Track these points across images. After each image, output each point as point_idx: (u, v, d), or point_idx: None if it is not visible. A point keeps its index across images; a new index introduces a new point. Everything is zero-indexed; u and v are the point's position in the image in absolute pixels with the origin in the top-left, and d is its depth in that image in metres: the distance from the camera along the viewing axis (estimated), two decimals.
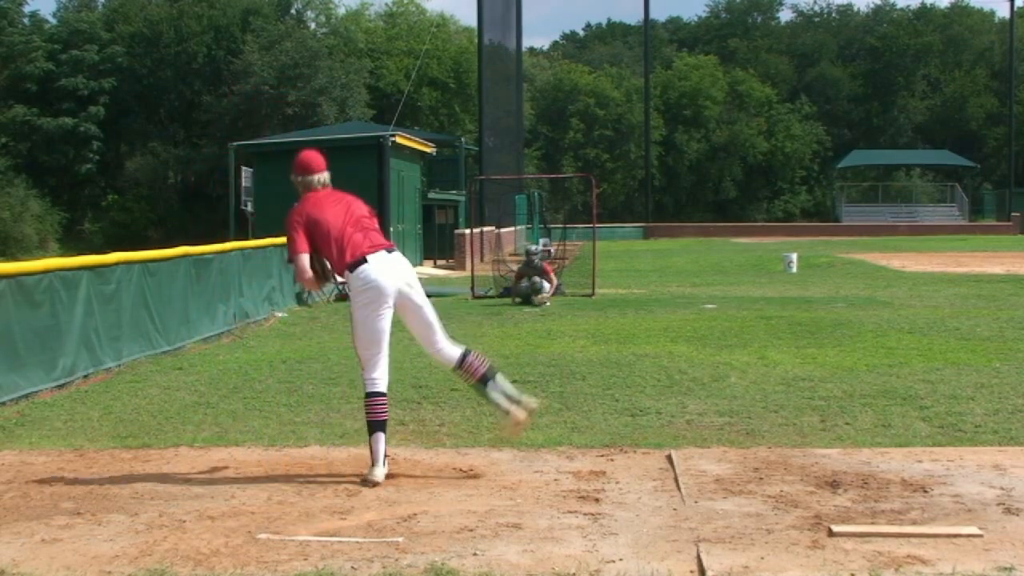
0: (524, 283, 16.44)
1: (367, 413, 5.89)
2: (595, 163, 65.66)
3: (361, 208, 6.09)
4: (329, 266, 5.98)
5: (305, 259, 5.87)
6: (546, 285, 16.37)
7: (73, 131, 51.79)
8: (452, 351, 6.01)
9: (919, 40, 75.60)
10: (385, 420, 5.87)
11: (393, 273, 5.88)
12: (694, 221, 61.71)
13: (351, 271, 5.84)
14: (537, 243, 21.84)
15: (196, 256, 12.41)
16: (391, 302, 5.87)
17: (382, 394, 5.88)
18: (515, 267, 17.93)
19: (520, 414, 6.05)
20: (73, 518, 5.22)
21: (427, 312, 5.99)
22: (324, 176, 6.07)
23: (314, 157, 6.10)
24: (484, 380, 6.00)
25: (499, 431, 6.53)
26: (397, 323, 5.98)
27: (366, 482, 5.72)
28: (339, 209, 5.97)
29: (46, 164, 51.94)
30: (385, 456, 5.85)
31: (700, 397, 8.17)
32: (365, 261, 5.81)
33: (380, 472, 5.76)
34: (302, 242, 5.86)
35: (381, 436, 5.82)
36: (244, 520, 5.12)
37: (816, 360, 9.94)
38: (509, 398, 6.05)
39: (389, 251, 5.94)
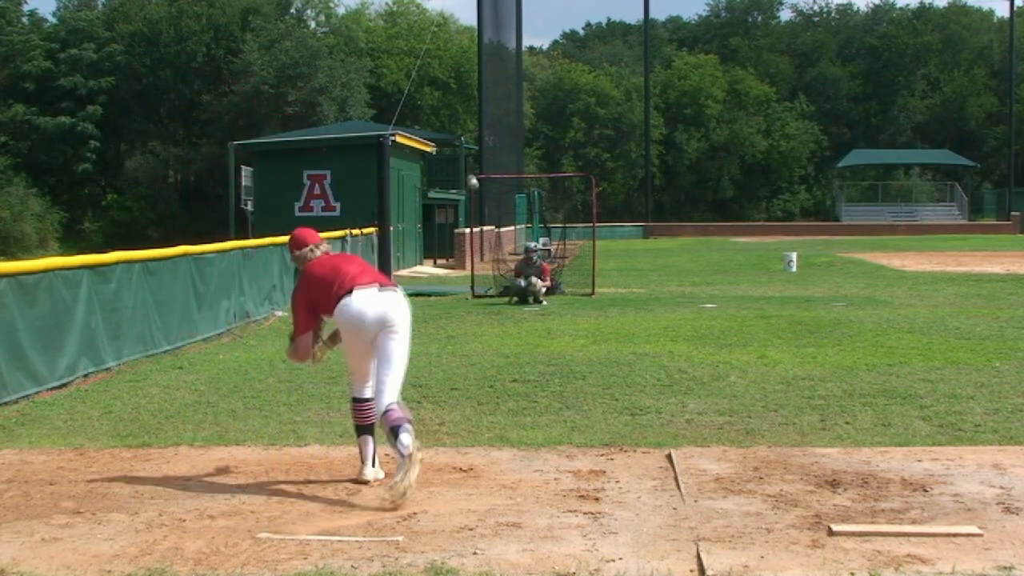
0: (520, 282, 16.51)
1: (353, 417, 6.05)
2: (595, 162, 65.59)
3: (358, 259, 6.35)
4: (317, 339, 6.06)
5: (306, 339, 5.98)
6: (537, 281, 16.47)
7: (71, 130, 51.74)
8: (383, 400, 5.66)
9: (918, 39, 75.61)
10: (370, 424, 5.93)
11: (373, 306, 5.77)
12: (694, 220, 61.68)
13: (336, 304, 5.81)
14: (537, 242, 21.81)
15: (196, 255, 12.41)
16: (368, 334, 5.78)
17: (365, 400, 5.92)
18: (514, 266, 17.95)
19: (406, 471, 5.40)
20: (73, 517, 5.23)
21: (395, 354, 5.76)
22: (318, 247, 6.10)
23: (305, 232, 6.25)
24: (395, 431, 5.53)
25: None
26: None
27: (358, 481, 5.89)
28: (337, 261, 6.11)
29: (45, 163, 51.87)
30: (375, 456, 5.95)
31: (700, 396, 8.18)
32: (350, 293, 5.81)
33: (369, 472, 5.92)
34: (304, 321, 5.97)
35: (367, 438, 5.97)
36: (244, 519, 5.12)
37: (816, 359, 9.95)
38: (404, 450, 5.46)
39: (381, 287, 5.88)
